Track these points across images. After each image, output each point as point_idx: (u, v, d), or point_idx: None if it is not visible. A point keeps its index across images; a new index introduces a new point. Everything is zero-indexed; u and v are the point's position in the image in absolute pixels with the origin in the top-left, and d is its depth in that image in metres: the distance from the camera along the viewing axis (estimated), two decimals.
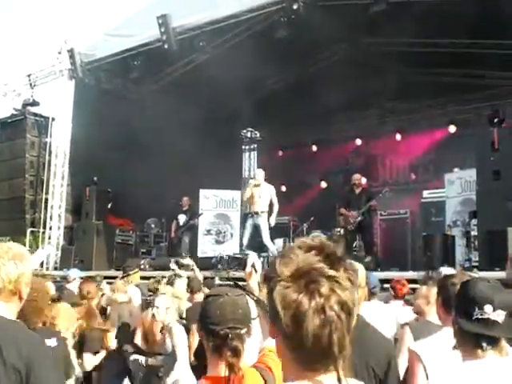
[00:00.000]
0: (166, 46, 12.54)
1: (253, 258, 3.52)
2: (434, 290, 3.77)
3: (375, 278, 5.88)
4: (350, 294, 1.33)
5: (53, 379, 2.41)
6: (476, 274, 6.94)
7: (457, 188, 13.45)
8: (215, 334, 2.42)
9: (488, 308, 2.25)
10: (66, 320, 5.23)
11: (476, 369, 2.20)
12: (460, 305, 2.38)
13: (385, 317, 5.42)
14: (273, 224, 11.81)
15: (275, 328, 1.36)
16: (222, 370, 2.40)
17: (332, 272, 1.32)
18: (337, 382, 1.32)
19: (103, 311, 6.88)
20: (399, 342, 4.28)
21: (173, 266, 9.81)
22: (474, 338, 2.26)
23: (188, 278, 8.15)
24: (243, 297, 2.68)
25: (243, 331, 2.49)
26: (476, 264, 9.74)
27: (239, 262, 11.51)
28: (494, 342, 2.26)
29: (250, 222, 11.81)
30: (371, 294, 5.52)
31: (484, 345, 2.25)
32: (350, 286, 1.34)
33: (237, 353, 2.42)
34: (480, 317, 2.25)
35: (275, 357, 2.81)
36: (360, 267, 3.69)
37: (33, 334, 2.59)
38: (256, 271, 3.01)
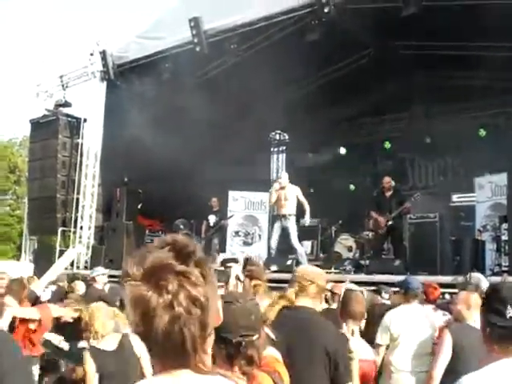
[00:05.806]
0: (197, 49, 12.65)
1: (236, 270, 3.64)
2: (474, 295, 3.79)
3: (417, 282, 5.89)
4: (203, 290, 1.30)
5: None
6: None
7: (487, 192, 13.31)
8: (228, 342, 2.38)
9: None
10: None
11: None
12: (492, 306, 2.34)
13: (423, 319, 5.47)
14: (308, 223, 11.91)
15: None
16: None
17: (181, 267, 1.29)
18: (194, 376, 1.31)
19: None
20: (439, 345, 4.31)
21: None
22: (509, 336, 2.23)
23: None
24: (254, 301, 2.70)
25: (255, 337, 2.47)
26: (506, 269, 9.67)
27: None
28: None
29: (277, 225, 11.90)
30: (413, 297, 5.59)
31: None
32: (202, 282, 1.30)
33: (251, 361, 2.42)
34: None
35: (281, 365, 2.83)
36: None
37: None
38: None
